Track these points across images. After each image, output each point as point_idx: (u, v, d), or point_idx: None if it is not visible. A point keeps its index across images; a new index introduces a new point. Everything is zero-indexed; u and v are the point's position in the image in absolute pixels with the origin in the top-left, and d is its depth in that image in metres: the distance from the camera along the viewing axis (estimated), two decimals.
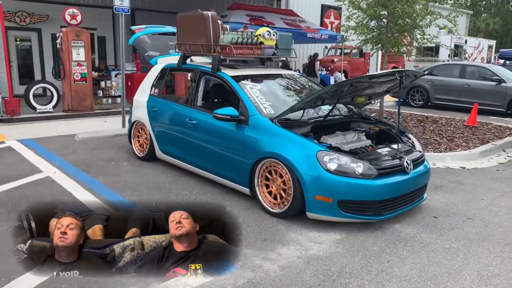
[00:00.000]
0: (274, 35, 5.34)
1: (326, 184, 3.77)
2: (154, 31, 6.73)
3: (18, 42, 14.05)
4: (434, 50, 23.26)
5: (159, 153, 5.79)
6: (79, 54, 9.71)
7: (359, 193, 3.79)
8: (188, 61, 5.69)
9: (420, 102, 13.20)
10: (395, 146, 4.36)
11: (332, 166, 3.79)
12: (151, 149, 5.90)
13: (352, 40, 9.31)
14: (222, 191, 4.84)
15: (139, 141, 6.21)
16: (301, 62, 20.99)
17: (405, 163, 4.04)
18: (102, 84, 10.75)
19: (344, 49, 18.83)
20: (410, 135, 4.82)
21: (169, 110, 5.55)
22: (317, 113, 4.83)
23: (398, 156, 4.12)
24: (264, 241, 3.66)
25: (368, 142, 4.55)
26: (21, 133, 7.86)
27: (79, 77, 9.77)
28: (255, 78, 5.11)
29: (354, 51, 20.06)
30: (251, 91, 4.73)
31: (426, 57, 23.87)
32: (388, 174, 3.94)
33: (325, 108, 4.99)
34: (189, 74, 5.75)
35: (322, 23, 20.46)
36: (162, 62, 6.24)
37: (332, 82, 17.04)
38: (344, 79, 18.08)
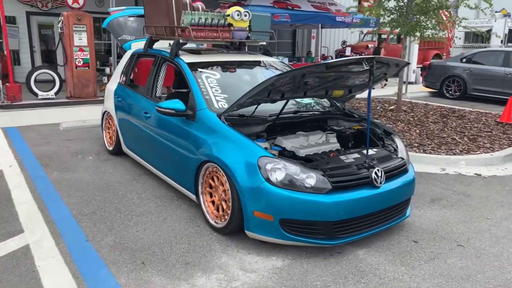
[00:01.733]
0: (246, 15, 4.59)
1: (266, 198, 3.05)
2: (132, 13, 6.19)
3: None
4: (484, 36, 21.15)
5: (124, 147, 5.27)
6: (81, 39, 9.39)
7: (307, 211, 3.03)
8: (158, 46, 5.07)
9: (456, 94, 11.83)
10: (370, 151, 3.53)
11: (276, 176, 3.05)
12: (118, 143, 5.39)
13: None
14: (174, 197, 4.23)
15: (109, 133, 5.72)
16: (332, 48, 19.86)
17: (373, 175, 3.22)
18: (107, 70, 10.41)
19: (380, 34, 17.49)
20: (395, 137, 3.95)
21: (130, 100, 4.99)
22: (297, 108, 4.09)
23: (366, 165, 3.29)
24: (186, 265, 3.01)
25: (336, 145, 3.76)
26: (11, 120, 7.64)
27: (81, 63, 9.46)
28: (221, 66, 4.42)
29: (391, 36, 18.61)
30: (206, 81, 4.05)
31: (475, 43, 21.79)
32: (347, 188, 3.14)
33: (305, 102, 4.23)
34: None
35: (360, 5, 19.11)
36: (136, 47, 5.67)
37: None
38: None
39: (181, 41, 4.41)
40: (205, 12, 4.52)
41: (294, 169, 3.09)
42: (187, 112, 3.80)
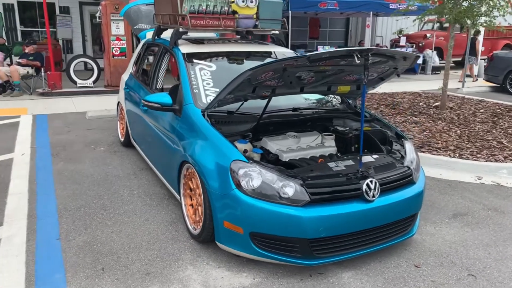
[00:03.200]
0: (252, 1, 4.21)
1: (236, 207, 2.70)
2: (149, 1, 6.01)
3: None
4: None
5: (131, 139, 5.15)
6: (118, 28, 9.46)
7: (280, 226, 2.64)
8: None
9: None
10: (368, 158, 3.05)
11: (248, 183, 2.69)
12: (127, 134, 5.28)
13: None
14: (165, 196, 4.01)
15: (121, 124, 5.63)
16: (388, 37, 18.71)
17: (364, 186, 2.75)
18: None
19: (440, 22, 16.16)
20: (406, 142, 3.40)
21: (134, 91, 4.82)
22: (298, 105, 3.70)
23: (359, 174, 2.82)
24: (146, 275, 2.76)
25: (333, 149, 3.31)
26: (45, 107, 7.87)
27: (118, 52, 9.56)
28: (224, 57, 4.11)
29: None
30: (199, 74, 3.75)
31: None
32: (331, 201, 2.71)
33: (313, 99, 3.82)
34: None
35: None
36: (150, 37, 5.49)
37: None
38: (436, 58, 15.56)
39: (180, 29, 4.15)
40: None
41: (269, 176, 2.71)
42: (173, 106, 3.53)
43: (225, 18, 4.17)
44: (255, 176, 2.70)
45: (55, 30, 12.53)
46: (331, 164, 2.91)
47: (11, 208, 3.70)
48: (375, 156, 3.10)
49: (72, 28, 13.24)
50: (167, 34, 4.79)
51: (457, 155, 5.09)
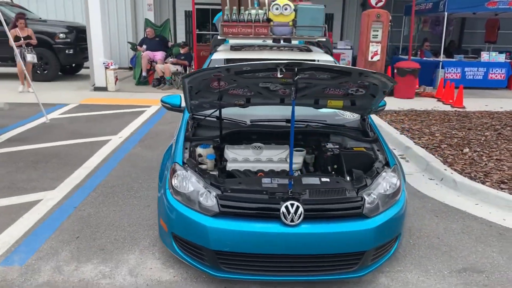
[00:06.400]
0: (286, 8, 4.19)
1: (165, 207, 2.88)
2: None
3: None
4: None
5: None
6: None
7: (191, 232, 2.70)
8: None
9: None
10: (313, 179, 2.79)
11: (177, 186, 2.84)
12: None
13: None
14: None
15: None
16: None
17: (283, 209, 2.56)
18: None
19: None
20: (387, 172, 2.91)
21: None
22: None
23: (285, 196, 2.63)
24: (100, 250, 3.20)
25: (297, 166, 3.12)
26: None
27: None
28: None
29: None
30: None
31: None
32: (246, 217, 2.61)
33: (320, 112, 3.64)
34: None
35: None
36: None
37: None
38: None
39: (218, 37, 4.43)
40: (239, 8, 4.36)
41: (195, 183, 2.79)
42: (180, 107, 3.87)
43: (258, 26, 4.27)
44: (183, 181, 2.83)
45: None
46: (265, 180, 2.79)
47: (72, 177, 4.66)
48: (324, 179, 2.81)
49: None
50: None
51: None
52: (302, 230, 2.57)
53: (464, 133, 6.32)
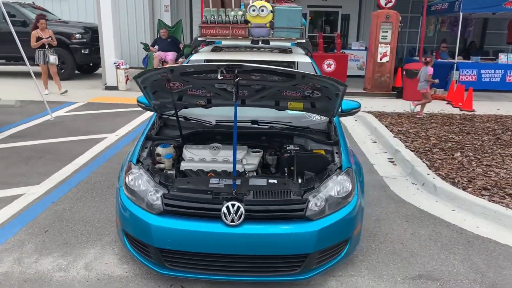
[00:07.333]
0: (263, 10, 4.20)
1: (118, 203, 2.96)
2: None
3: None
4: None
5: None
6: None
7: (136, 228, 2.76)
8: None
9: None
10: (260, 180, 2.81)
11: (129, 183, 2.92)
12: None
13: None
14: None
15: None
16: None
17: (224, 209, 2.59)
18: None
19: None
20: (338, 176, 2.88)
21: None
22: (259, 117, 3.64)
23: (229, 196, 2.65)
24: (64, 244, 3.31)
25: (251, 166, 3.15)
26: None
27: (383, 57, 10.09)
28: None
29: None
30: None
31: None
32: (189, 216, 2.65)
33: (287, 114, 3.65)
34: None
35: None
36: None
37: None
38: None
39: (199, 38, 4.49)
40: (224, 9, 4.40)
41: (145, 181, 2.85)
42: (150, 107, 3.95)
43: (236, 27, 4.30)
44: (135, 178, 2.90)
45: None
46: (213, 180, 2.82)
47: (59, 173, 4.82)
48: (271, 181, 2.81)
49: None
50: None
51: None
52: (243, 231, 2.59)
53: (461, 137, 6.14)
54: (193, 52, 4.50)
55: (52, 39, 9.63)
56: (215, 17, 4.36)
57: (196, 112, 3.65)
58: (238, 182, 2.79)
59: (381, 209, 4.02)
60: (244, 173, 3.12)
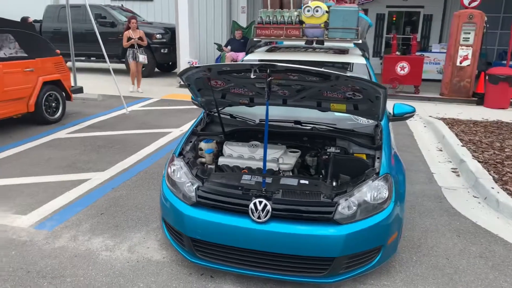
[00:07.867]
0: (317, 10, 4.17)
1: (161, 192, 3.16)
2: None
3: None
4: None
5: None
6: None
7: (173, 217, 2.92)
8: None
9: None
10: (292, 180, 2.81)
11: (170, 174, 3.10)
12: None
13: None
14: None
15: None
16: None
17: (251, 205, 2.64)
18: None
19: None
20: (373, 181, 2.77)
21: None
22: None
23: (258, 193, 2.69)
24: (114, 227, 3.60)
25: (287, 166, 3.16)
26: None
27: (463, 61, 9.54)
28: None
29: None
30: None
31: None
32: (220, 209, 2.75)
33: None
34: None
35: None
36: None
37: None
38: None
39: (254, 39, 4.58)
40: (274, 11, 4.43)
41: (184, 173, 3.01)
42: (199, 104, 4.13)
43: (290, 27, 4.32)
44: (175, 170, 3.07)
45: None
46: (245, 177, 2.89)
47: (124, 162, 5.21)
48: (303, 181, 2.80)
49: None
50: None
51: None
52: (268, 228, 2.63)
53: None
54: (247, 53, 4.61)
55: (142, 40, 9.99)
56: (271, 17, 4.43)
57: (243, 111, 3.74)
58: (269, 180, 2.83)
59: (432, 220, 3.79)
60: (279, 172, 3.14)
